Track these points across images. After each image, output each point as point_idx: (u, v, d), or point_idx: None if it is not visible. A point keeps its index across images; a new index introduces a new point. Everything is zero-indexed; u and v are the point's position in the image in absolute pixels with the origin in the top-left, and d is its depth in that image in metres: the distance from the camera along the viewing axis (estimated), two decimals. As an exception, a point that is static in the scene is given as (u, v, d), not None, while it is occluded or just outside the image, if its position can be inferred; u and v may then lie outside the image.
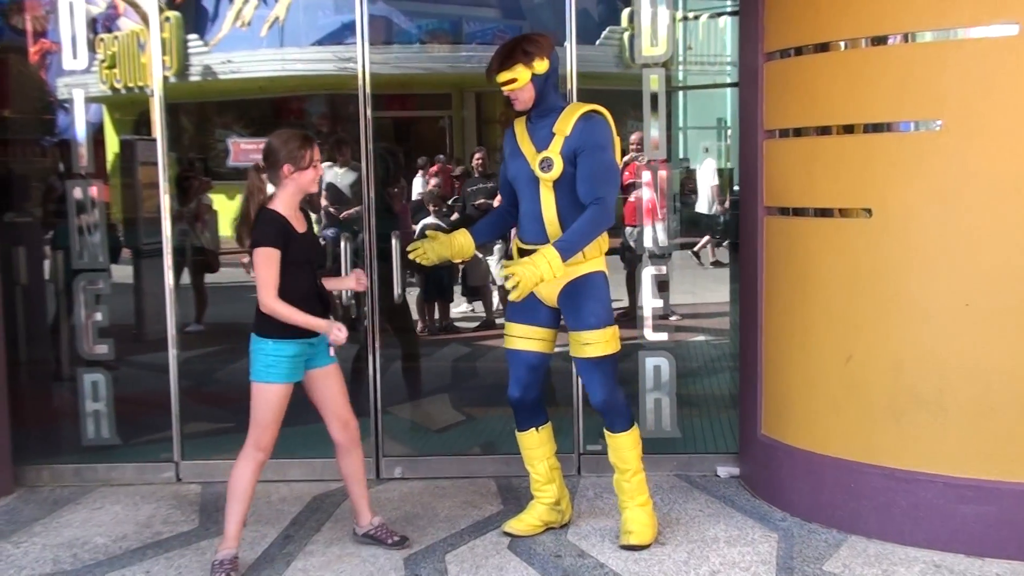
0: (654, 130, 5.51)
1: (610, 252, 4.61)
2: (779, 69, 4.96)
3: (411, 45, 7.30)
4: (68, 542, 4.86)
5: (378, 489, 5.47)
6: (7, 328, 5.64)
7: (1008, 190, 4.29)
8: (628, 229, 6.42)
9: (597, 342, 4.45)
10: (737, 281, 5.63)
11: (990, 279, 4.35)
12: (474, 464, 5.78)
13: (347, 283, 4.83)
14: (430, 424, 6.59)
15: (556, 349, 4.72)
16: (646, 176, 5.60)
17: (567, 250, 4.25)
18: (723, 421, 6.07)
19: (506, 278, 4.24)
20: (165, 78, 5.74)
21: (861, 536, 4.67)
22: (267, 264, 4.19)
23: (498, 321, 7.35)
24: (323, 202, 6.72)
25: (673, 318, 6.07)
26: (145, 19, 5.80)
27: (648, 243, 5.61)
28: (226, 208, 7.60)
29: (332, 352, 4.46)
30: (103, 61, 6.08)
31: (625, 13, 5.82)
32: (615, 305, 4.73)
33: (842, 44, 4.62)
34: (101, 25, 6.15)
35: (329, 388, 4.49)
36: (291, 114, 8.26)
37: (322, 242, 6.24)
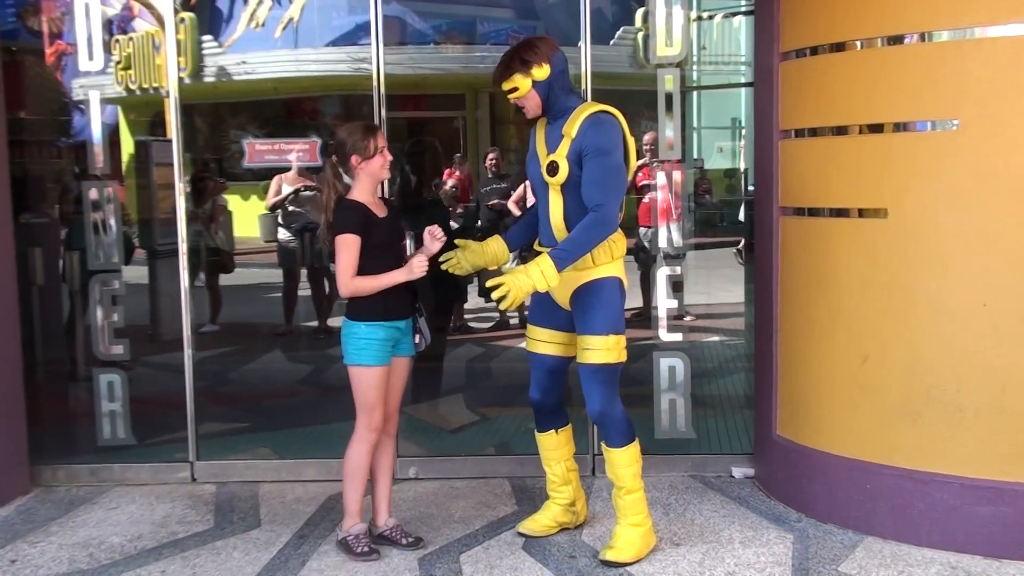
0: (669, 130, 5.50)
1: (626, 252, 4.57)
2: (795, 69, 4.95)
3: (425, 46, 7.32)
4: (84, 542, 4.88)
5: (393, 489, 5.46)
6: (23, 329, 5.66)
7: (1025, 190, 4.27)
8: (643, 230, 6.41)
9: (598, 349, 4.34)
10: (752, 281, 5.62)
11: (1008, 279, 4.33)
12: (488, 464, 5.77)
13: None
14: (445, 424, 6.60)
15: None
16: (660, 177, 5.59)
17: (561, 259, 4.17)
18: (738, 422, 6.06)
19: (493, 288, 4.15)
20: (180, 79, 5.74)
21: (877, 537, 4.65)
22: (346, 250, 4.34)
23: (512, 321, 7.36)
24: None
25: (687, 318, 6.06)
26: (160, 20, 5.82)
27: (663, 244, 5.60)
28: (241, 209, 7.63)
29: (417, 339, 4.58)
30: (118, 62, 6.11)
31: (639, 13, 5.81)
32: (628, 306, 4.70)
33: (858, 43, 4.60)
34: (116, 27, 6.17)
35: (398, 380, 4.62)
36: (305, 115, 8.29)
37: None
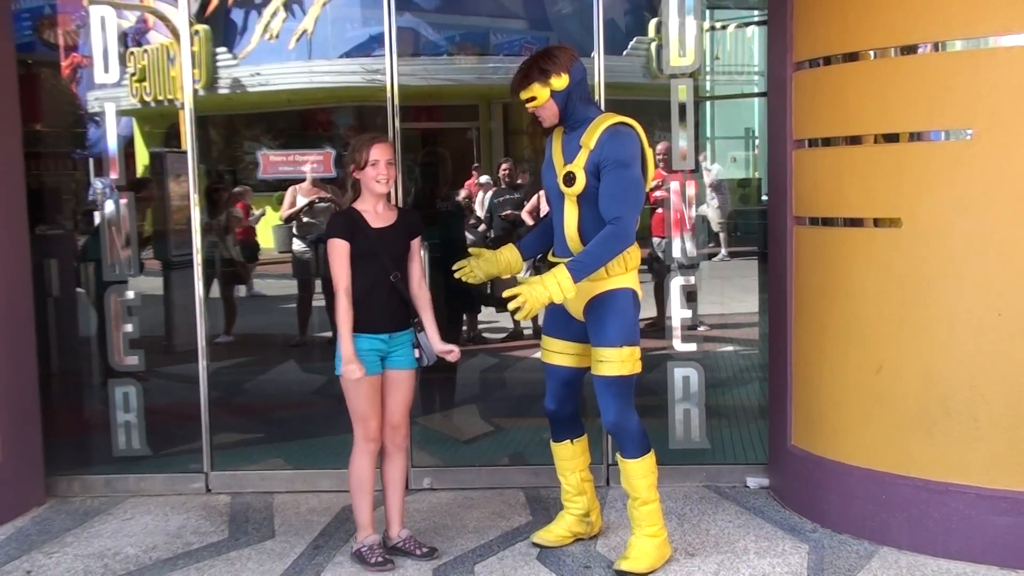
0: (682, 140, 5.50)
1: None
2: (808, 79, 4.95)
3: (439, 57, 7.33)
4: (99, 552, 4.89)
5: (407, 500, 5.46)
6: (39, 340, 5.69)
7: (1040, 199, 4.26)
8: (656, 240, 6.39)
9: (612, 360, 4.32)
10: (766, 291, 5.61)
11: (1023, 288, 4.31)
12: (503, 475, 5.77)
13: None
14: (459, 435, 6.60)
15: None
16: (674, 187, 5.59)
17: (578, 271, 4.15)
18: (752, 432, 6.04)
19: (509, 299, 4.15)
20: (195, 91, 5.77)
21: (892, 548, 4.63)
22: (332, 254, 4.41)
23: (526, 332, 7.36)
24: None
25: (701, 328, 6.04)
26: (175, 33, 5.85)
27: (676, 254, 5.60)
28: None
29: (417, 354, 4.58)
30: (134, 75, 6.14)
31: (653, 23, 5.82)
32: (642, 316, 4.69)
33: (871, 53, 4.60)
34: (132, 39, 6.20)
35: (396, 392, 4.59)
36: (319, 126, 8.30)
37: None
